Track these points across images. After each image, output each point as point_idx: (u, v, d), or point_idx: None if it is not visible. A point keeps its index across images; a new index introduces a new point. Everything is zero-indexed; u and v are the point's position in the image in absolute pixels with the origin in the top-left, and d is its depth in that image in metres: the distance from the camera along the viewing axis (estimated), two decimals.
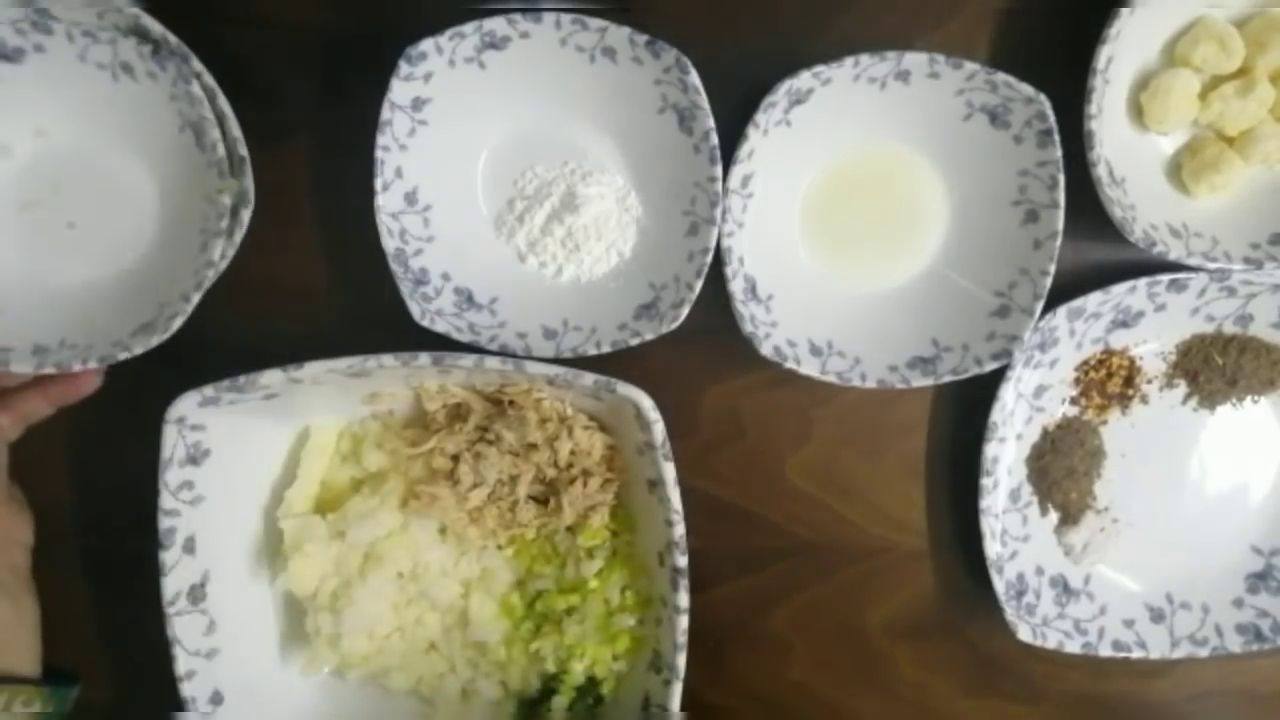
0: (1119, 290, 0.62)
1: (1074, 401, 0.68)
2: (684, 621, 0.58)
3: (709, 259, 0.60)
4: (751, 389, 0.67)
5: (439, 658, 0.64)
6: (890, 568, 0.68)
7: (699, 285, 0.60)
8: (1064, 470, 0.67)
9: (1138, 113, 0.64)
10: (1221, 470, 0.69)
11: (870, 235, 0.65)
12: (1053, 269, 0.60)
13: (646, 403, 0.57)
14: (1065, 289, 0.62)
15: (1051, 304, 0.61)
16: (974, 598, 0.67)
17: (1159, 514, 0.68)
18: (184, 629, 0.58)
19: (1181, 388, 0.68)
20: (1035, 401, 0.66)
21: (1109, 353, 0.67)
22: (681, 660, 0.58)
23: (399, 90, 0.60)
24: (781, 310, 0.63)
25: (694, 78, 0.59)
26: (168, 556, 0.57)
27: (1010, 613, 0.64)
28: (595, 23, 0.59)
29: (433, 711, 0.64)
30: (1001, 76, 0.59)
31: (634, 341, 0.61)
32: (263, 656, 0.62)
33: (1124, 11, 0.59)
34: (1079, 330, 0.65)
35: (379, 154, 0.60)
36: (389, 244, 0.61)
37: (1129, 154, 0.63)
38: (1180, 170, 0.65)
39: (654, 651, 0.61)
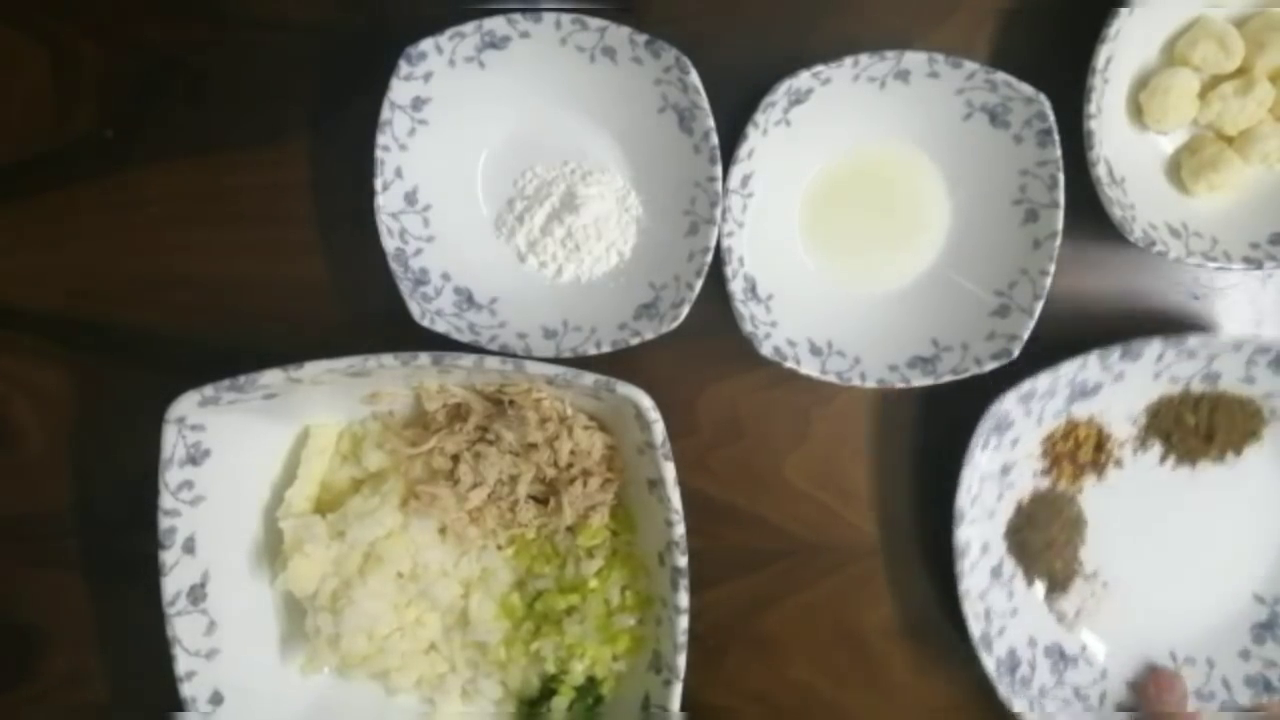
0: (1069, 367, 0.59)
1: (1045, 473, 0.65)
2: (684, 621, 0.58)
3: (709, 259, 0.60)
4: (751, 389, 0.67)
5: (439, 658, 0.64)
6: (889, 568, 0.68)
7: (699, 285, 0.60)
8: (1043, 542, 0.64)
9: (1137, 112, 0.64)
10: (1214, 522, 0.66)
11: (870, 235, 0.65)
12: (1052, 269, 0.60)
13: (646, 402, 0.57)
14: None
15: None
16: None
17: (1151, 573, 0.66)
18: (184, 629, 0.58)
19: (1156, 448, 0.65)
20: (1004, 479, 0.64)
21: (1074, 424, 0.64)
22: (681, 660, 0.58)
23: (399, 90, 0.60)
24: (781, 310, 0.63)
25: (694, 78, 0.59)
26: (168, 556, 0.57)
27: (1003, 689, 0.62)
28: (595, 22, 0.59)
29: (433, 711, 0.64)
30: (1001, 76, 0.59)
31: (634, 341, 0.61)
32: (263, 656, 0.62)
33: (1123, 11, 0.59)
34: (1035, 409, 0.62)
35: (379, 154, 0.60)
36: (389, 244, 0.61)
37: (1128, 153, 0.63)
38: (1180, 170, 0.65)
39: (654, 651, 0.61)
